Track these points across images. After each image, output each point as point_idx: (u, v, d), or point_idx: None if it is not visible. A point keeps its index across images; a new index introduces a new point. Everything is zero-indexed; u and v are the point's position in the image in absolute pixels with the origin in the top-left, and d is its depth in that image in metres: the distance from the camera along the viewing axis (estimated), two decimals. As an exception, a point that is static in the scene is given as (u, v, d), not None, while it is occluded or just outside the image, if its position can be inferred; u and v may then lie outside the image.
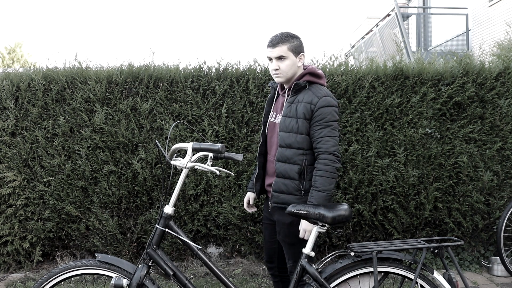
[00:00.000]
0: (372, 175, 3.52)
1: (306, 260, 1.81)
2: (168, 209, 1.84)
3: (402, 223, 3.57)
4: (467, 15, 9.08)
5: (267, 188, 2.19)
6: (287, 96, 2.12)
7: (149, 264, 1.81)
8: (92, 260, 1.84)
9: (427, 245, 1.81)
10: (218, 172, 1.80)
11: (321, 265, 1.83)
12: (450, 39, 9.65)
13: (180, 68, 3.66)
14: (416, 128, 3.55)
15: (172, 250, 3.65)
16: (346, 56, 10.50)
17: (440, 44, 9.90)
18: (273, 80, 2.24)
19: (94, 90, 3.56)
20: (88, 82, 3.57)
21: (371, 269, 1.80)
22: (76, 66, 3.71)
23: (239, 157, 2.06)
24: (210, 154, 1.81)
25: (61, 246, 3.74)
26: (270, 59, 2.09)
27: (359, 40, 11.22)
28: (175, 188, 1.87)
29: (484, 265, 3.58)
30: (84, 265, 1.84)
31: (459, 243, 1.81)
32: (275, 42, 2.05)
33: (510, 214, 3.36)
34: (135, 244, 3.66)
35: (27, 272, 3.60)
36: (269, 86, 2.29)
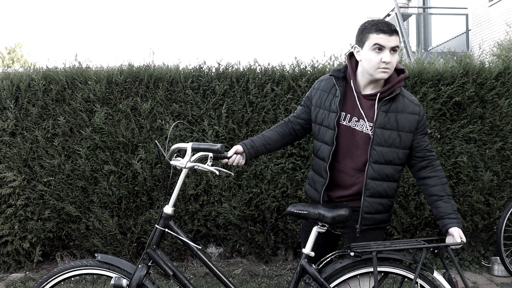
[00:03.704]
0: (372, 175, 3.52)
1: (306, 260, 1.80)
2: (168, 209, 1.83)
3: (402, 223, 3.56)
4: (467, 15, 9.08)
5: (337, 200, 1.94)
6: (378, 102, 1.80)
7: (148, 264, 1.80)
8: (92, 260, 1.84)
9: (427, 245, 1.81)
10: (217, 172, 1.78)
11: (320, 265, 1.83)
12: (450, 39, 9.65)
13: (180, 68, 3.66)
14: (416, 128, 3.54)
15: (172, 250, 3.64)
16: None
17: (440, 44, 9.90)
18: (337, 69, 1.90)
19: (94, 90, 3.56)
20: (88, 82, 3.57)
21: (371, 269, 1.79)
22: (76, 66, 3.71)
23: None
24: (210, 154, 1.80)
25: (61, 246, 3.74)
26: (380, 48, 1.73)
27: (359, 40, 11.20)
28: (174, 188, 1.86)
29: (484, 265, 3.58)
30: (84, 265, 1.83)
31: (457, 244, 1.81)
32: (393, 28, 1.73)
33: (510, 214, 3.36)
34: (135, 244, 3.66)
35: (27, 272, 3.60)
36: (330, 75, 1.93)
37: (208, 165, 1.79)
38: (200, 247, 1.84)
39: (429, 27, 10.61)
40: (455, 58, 3.68)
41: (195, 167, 1.80)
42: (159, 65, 3.68)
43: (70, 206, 3.55)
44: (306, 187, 2.06)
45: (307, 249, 1.81)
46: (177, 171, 1.90)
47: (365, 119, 1.82)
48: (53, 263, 3.74)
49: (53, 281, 1.83)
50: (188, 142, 1.83)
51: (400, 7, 8.69)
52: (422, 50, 9.45)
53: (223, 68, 3.64)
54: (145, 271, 1.78)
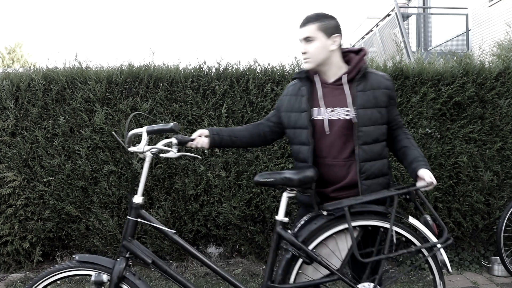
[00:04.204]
0: (372, 175, 3.52)
1: (280, 227, 1.80)
2: (137, 198, 1.82)
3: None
4: (467, 15, 9.08)
5: (333, 195, 1.89)
6: (353, 83, 1.82)
7: (126, 256, 1.80)
8: (70, 262, 1.81)
9: (397, 191, 1.78)
10: (174, 155, 1.80)
11: (296, 230, 1.82)
12: (450, 39, 9.65)
13: (180, 68, 3.66)
14: (416, 128, 3.55)
15: (172, 250, 3.64)
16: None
17: (440, 44, 9.90)
18: (299, 71, 1.95)
19: (94, 90, 3.56)
20: (88, 82, 3.57)
21: (347, 226, 1.77)
22: (76, 66, 3.71)
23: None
24: (174, 140, 1.81)
25: (61, 246, 3.74)
26: (301, 41, 1.83)
27: (359, 40, 11.22)
28: (141, 177, 1.86)
29: (484, 265, 3.58)
30: (63, 268, 1.79)
31: (426, 185, 1.79)
32: (304, 21, 1.82)
33: (510, 214, 3.36)
34: (135, 244, 3.65)
35: (27, 272, 3.60)
36: (293, 78, 1.97)
37: (173, 151, 1.81)
38: (175, 231, 1.84)
39: (429, 27, 10.61)
40: (455, 58, 3.68)
41: (153, 150, 1.81)
42: (159, 65, 3.68)
43: (70, 206, 3.55)
44: (297, 193, 2.02)
45: (280, 216, 1.81)
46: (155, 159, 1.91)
47: (341, 105, 1.83)
48: (53, 263, 3.74)
49: None
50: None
51: (400, 7, 8.69)
52: (422, 50, 9.45)
53: (223, 68, 3.64)
54: (124, 264, 1.78)
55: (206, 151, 3.52)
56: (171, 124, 1.78)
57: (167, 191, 3.58)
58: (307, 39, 1.81)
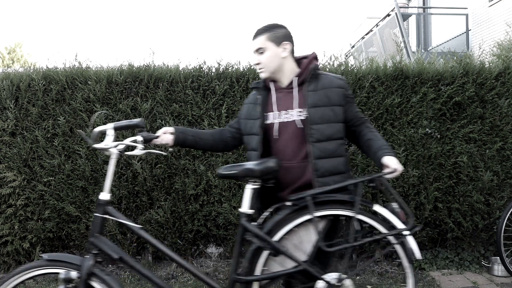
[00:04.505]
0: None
1: (245, 219, 1.81)
2: (104, 195, 1.83)
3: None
4: (467, 15, 9.08)
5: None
6: (304, 85, 1.88)
7: (94, 252, 1.80)
8: (39, 261, 1.80)
9: (360, 178, 1.78)
10: (140, 152, 1.82)
11: (261, 221, 1.83)
12: (450, 39, 9.65)
13: (180, 68, 3.66)
14: (416, 128, 3.55)
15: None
16: (346, 56, 10.49)
17: (440, 44, 9.90)
18: (257, 81, 2.01)
19: (94, 90, 3.56)
20: (88, 82, 3.57)
21: (313, 216, 1.76)
22: (76, 66, 3.71)
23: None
24: (140, 138, 1.85)
25: (61, 246, 3.74)
26: (254, 53, 1.92)
27: (359, 40, 11.22)
28: (108, 174, 1.86)
29: (484, 265, 3.58)
30: (31, 267, 1.78)
31: (391, 172, 1.79)
32: (255, 34, 1.90)
33: (510, 214, 3.36)
34: (135, 244, 3.66)
35: (27, 272, 3.59)
36: (252, 88, 2.03)
37: (139, 149, 1.84)
38: (141, 227, 1.85)
39: (429, 27, 10.61)
40: (455, 58, 3.68)
41: (119, 147, 1.82)
42: (159, 65, 3.68)
43: (70, 206, 3.55)
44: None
45: (245, 208, 1.82)
46: (127, 157, 1.91)
47: (293, 107, 1.88)
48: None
49: None
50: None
51: (400, 7, 8.69)
52: (422, 50, 9.45)
53: (223, 68, 3.64)
54: (93, 260, 1.78)
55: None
56: (137, 120, 1.82)
57: (167, 191, 3.58)
58: (259, 50, 1.88)
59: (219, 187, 3.54)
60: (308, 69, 1.89)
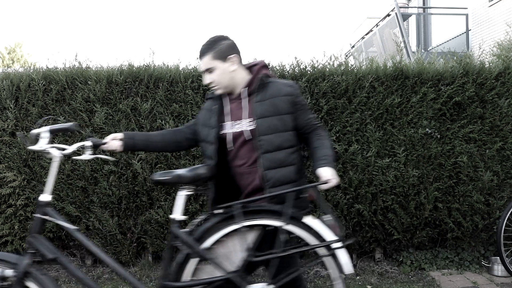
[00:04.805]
0: (372, 175, 3.52)
1: (176, 225, 1.81)
2: (44, 197, 1.85)
3: (402, 223, 3.56)
4: (467, 15, 9.08)
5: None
6: (253, 95, 1.89)
7: (31, 252, 1.81)
8: None
9: (292, 189, 1.76)
10: (88, 157, 1.87)
11: (192, 228, 1.83)
12: (450, 39, 9.65)
13: (180, 68, 3.66)
14: (416, 128, 3.55)
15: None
16: (346, 56, 10.50)
17: (440, 44, 9.90)
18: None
19: (94, 90, 3.56)
20: (88, 82, 3.57)
21: (245, 224, 1.75)
22: (76, 66, 3.71)
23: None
24: (89, 143, 1.89)
25: (61, 246, 3.74)
26: (204, 73, 1.92)
27: (359, 40, 11.22)
28: (49, 176, 1.90)
29: (484, 265, 3.58)
30: None
31: (320, 184, 1.76)
32: (200, 54, 1.88)
33: (510, 214, 3.36)
34: (135, 244, 3.66)
35: (27, 272, 3.60)
36: (207, 98, 2.05)
37: (87, 153, 1.89)
38: (77, 228, 1.89)
39: (429, 27, 10.61)
40: (455, 58, 3.68)
41: (66, 151, 1.89)
42: (159, 65, 3.68)
43: (70, 206, 3.55)
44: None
45: (176, 214, 1.82)
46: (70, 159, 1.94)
47: (243, 117, 1.89)
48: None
49: None
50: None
51: (400, 7, 8.69)
52: (422, 50, 9.45)
53: (223, 68, 3.64)
54: (29, 259, 1.79)
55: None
56: (71, 123, 1.86)
57: (167, 191, 3.58)
58: (208, 70, 1.88)
59: (219, 187, 3.53)
60: (256, 79, 1.89)
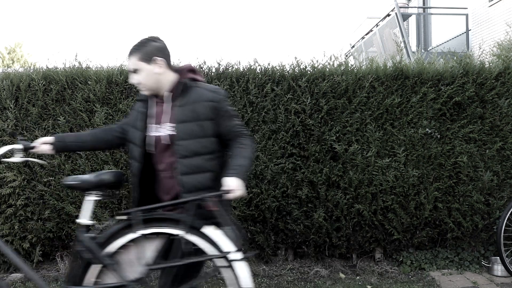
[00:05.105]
0: (372, 175, 3.52)
1: (82, 229, 1.82)
2: None
3: (402, 223, 3.57)
4: (467, 15, 9.08)
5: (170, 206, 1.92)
6: (174, 99, 1.88)
7: None
8: None
9: (191, 198, 1.76)
10: (17, 160, 1.89)
11: (96, 233, 1.84)
12: (450, 39, 9.65)
13: (180, 68, 3.65)
14: (416, 128, 3.55)
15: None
16: (346, 56, 10.49)
17: (440, 44, 9.89)
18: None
19: (94, 90, 3.56)
20: (88, 82, 3.57)
21: (144, 232, 1.74)
22: (76, 66, 3.71)
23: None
24: (19, 146, 1.92)
25: (61, 246, 3.73)
26: (131, 73, 1.91)
27: (359, 40, 11.21)
28: None
29: (484, 265, 3.58)
30: None
31: (221, 193, 1.74)
32: (129, 54, 1.88)
33: (510, 214, 3.36)
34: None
35: (27, 272, 3.59)
36: (137, 100, 2.04)
37: (18, 156, 1.92)
38: None
39: (429, 27, 10.60)
40: (455, 58, 3.68)
41: None
42: (159, 65, 3.67)
43: (70, 206, 3.55)
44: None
45: (82, 219, 1.84)
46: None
47: (165, 121, 1.88)
48: (53, 263, 3.74)
49: None
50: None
51: (400, 7, 8.68)
52: (422, 50, 9.45)
53: (223, 68, 3.64)
54: None
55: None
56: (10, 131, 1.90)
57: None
58: (135, 71, 1.87)
59: (219, 187, 3.53)
60: (179, 83, 1.89)
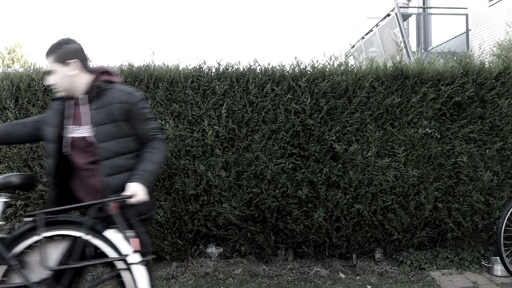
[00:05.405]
0: (372, 175, 3.52)
1: None
2: None
3: (402, 223, 3.57)
4: (467, 15, 9.07)
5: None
6: (89, 102, 1.90)
7: None
8: None
9: (92, 202, 1.80)
10: None
11: (6, 233, 1.84)
12: (450, 39, 9.65)
13: (180, 68, 3.66)
14: (416, 128, 3.55)
15: (172, 250, 3.64)
16: (346, 56, 10.49)
17: (440, 44, 9.89)
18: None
19: (94, 90, 3.56)
20: (88, 82, 3.56)
21: (47, 234, 1.76)
22: (76, 66, 3.71)
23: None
24: None
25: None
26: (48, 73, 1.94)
27: (359, 40, 11.21)
28: None
29: (484, 265, 3.58)
30: None
31: (123, 198, 1.76)
32: (45, 54, 1.90)
33: (510, 214, 3.36)
34: (135, 244, 3.65)
35: (27, 272, 3.60)
36: (53, 99, 2.03)
37: None
38: None
39: (429, 27, 10.60)
40: (455, 58, 3.68)
41: None
42: (159, 65, 3.68)
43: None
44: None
45: None
46: None
47: (82, 123, 1.89)
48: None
49: None
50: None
51: (400, 7, 8.68)
52: (422, 50, 9.44)
53: (223, 68, 3.64)
54: None
55: None
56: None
57: (167, 191, 3.58)
58: (50, 72, 1.89)
59: (219, 187, 3.54)
60: (92, 86, 1.90)
